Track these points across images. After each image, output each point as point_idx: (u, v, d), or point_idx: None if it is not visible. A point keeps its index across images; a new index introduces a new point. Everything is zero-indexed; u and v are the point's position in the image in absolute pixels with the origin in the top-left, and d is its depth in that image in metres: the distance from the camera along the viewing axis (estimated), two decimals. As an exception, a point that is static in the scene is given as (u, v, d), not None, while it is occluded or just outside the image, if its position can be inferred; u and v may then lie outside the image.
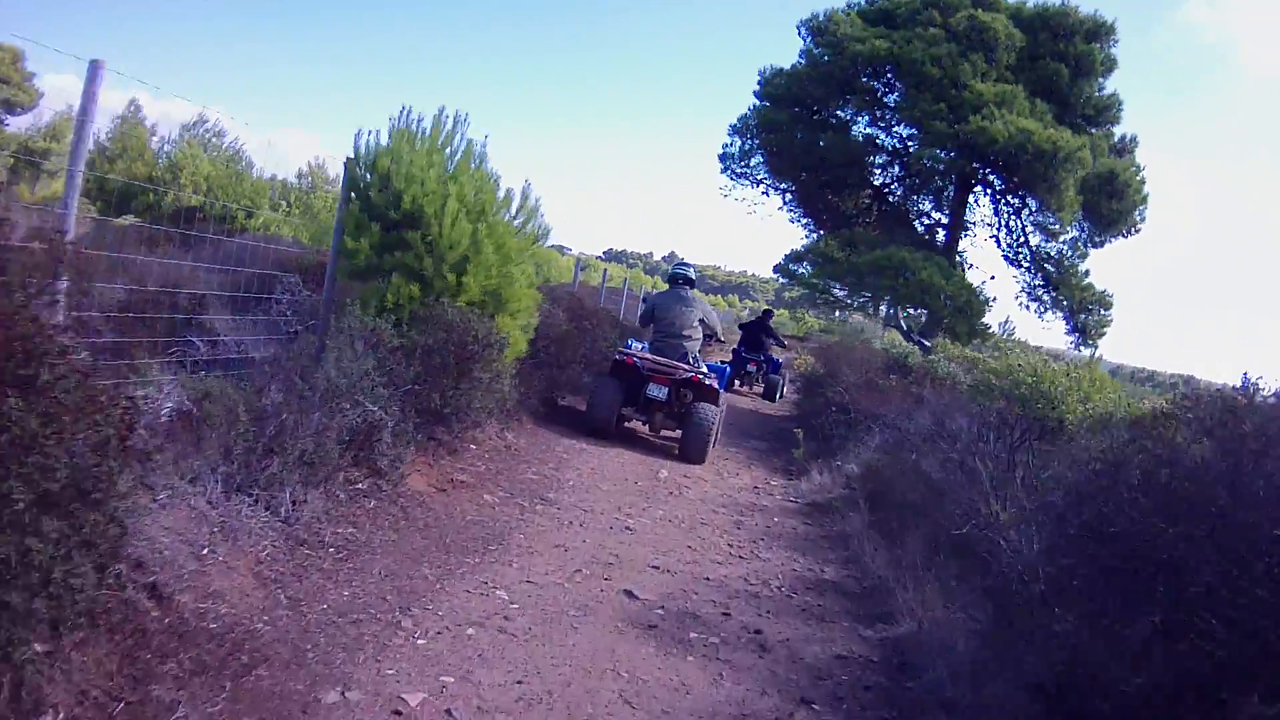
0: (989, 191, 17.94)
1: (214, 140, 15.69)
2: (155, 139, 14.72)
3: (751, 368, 16.33)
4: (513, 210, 7.44)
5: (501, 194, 7.47)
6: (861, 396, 10.18)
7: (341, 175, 6.64)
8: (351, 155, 6.80)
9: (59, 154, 23.49)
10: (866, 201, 19.70)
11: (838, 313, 54.33)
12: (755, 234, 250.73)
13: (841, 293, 18.26)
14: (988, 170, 16.87)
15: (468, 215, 6.94)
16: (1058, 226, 15.91)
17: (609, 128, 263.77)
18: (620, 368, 9.05)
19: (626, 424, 9.41)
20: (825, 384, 11.76)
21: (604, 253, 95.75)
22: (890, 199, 18.99)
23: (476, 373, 6.00)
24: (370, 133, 6.92)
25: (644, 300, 11.46)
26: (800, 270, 51.93)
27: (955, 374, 11.12)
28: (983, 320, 15.68)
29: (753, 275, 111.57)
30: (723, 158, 19.15)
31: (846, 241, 19.66)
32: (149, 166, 13.58)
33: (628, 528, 5.91)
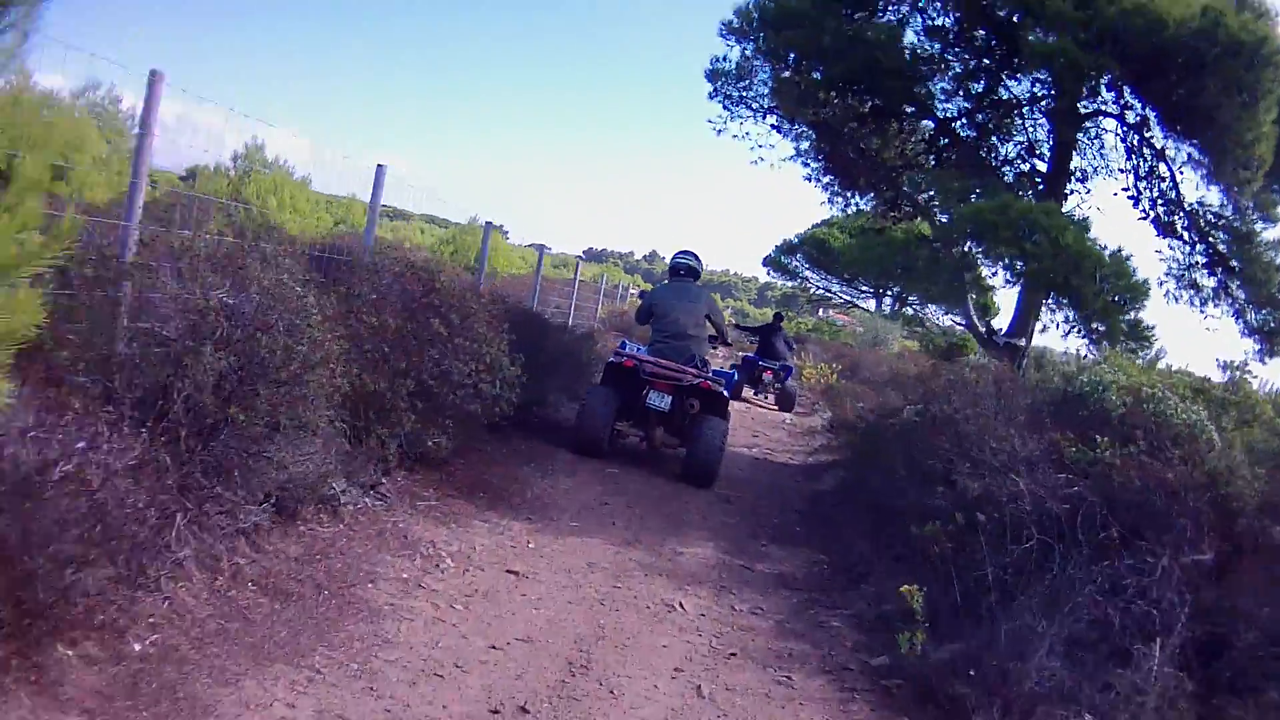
0: (1122, 123, 12.16)
1: (109, 108, 15.04)
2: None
3: (768, 376, 15.61)
4: None
5: None
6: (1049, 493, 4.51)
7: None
8: None
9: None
10: (921, 144, 13.86)
11: (821, 311, 48.83)
12: (737, 231, 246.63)
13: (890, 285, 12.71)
14: (1126, 84, 11.15)
15: None
16: (1247, 170, 10.23)
17: (587, 126, 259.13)
18: (616, 372, 8.02)
19: (622, 440, 8.31)
20: (919, 451, 6.09)
21: (584, 252, 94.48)
22: (963, 138, 13.15)
23: None
24: None
25: (641, 295, 10.32)
26: (793, 263, 46.14)
27: (1203, 425, 5.53)
28: (1140, 314, 9.99)
29: (735, 274, 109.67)
30: (711, 75, 13.21)
31: (889, 201, 14.03)
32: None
33: None
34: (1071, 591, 4.14)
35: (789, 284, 47.14)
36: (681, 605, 4.67)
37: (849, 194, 15.03)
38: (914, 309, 35.48)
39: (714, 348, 9.02)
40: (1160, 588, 4.07)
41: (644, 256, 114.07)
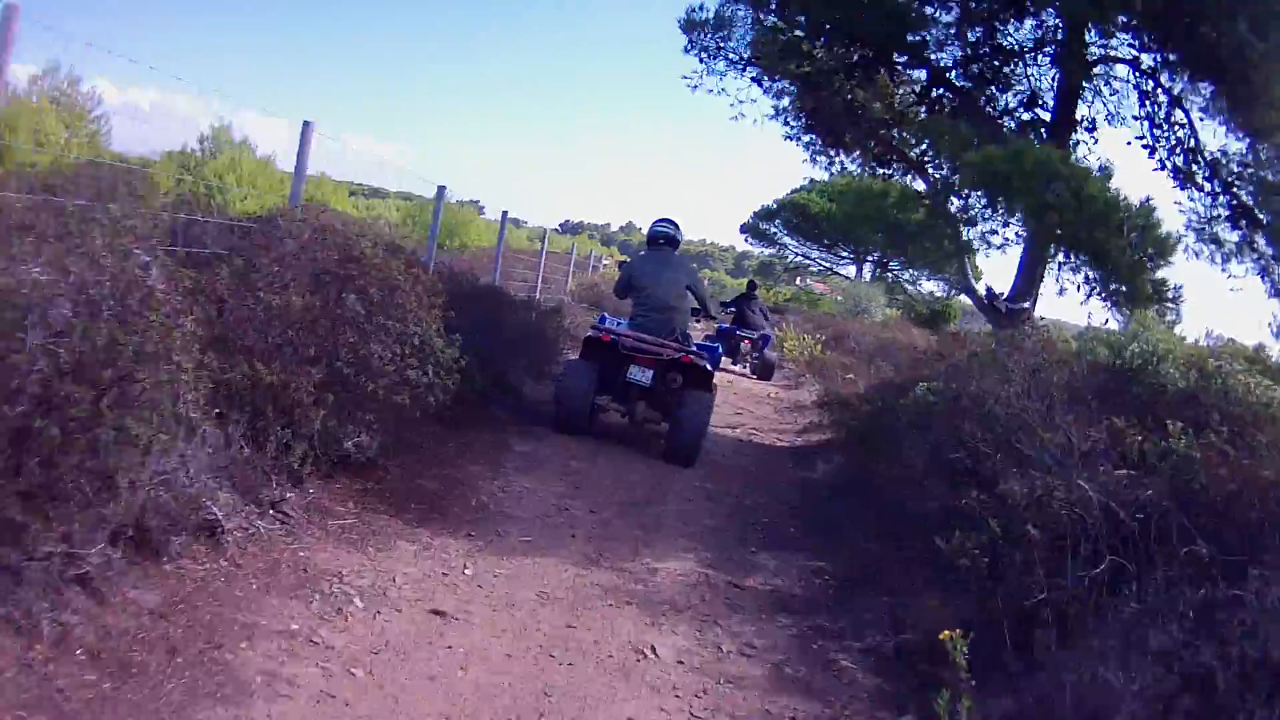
0: (1135, 68, 11.20)
1: (68, 91, 14.57)
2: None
3: (745, 345, 15.94)
4: None
5: None
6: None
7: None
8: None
9: None
10: (913, 96, 12.87)
11: (799, 280, 47.90)
12: (714, 201, 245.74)
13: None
14: (1144, 24, 10.18)
15: None
16: (1277, 114, 9.30)
17: (560, 99, 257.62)
18: (594, 347, 7.72)
19: (602, 414, 7.83)
20: (937, 437, 5.18)
21: (561, 225, 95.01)
22: (959, 88, 12.17)
23: None
24: None
25: (620, 266, 10.28)
26: (771, 229, 44.98)
27: (1274, 400, 4.64)
28: (1162, 274, 9.10)
29: (712, 243, 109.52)
30: (687, 25, 12.20)
31: (877, 158, 13.16)
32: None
33: None
34: (1154, 628, 3.25)
35: (767, 252, 46.32)
36: (654, 650, 3.72)
37: (833, 152, 14.02)
38: (895, 275, 34.39)
39: (697, 321, 8.57)
40: (1267, 624, 3.18)
41: (620, 227, 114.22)
